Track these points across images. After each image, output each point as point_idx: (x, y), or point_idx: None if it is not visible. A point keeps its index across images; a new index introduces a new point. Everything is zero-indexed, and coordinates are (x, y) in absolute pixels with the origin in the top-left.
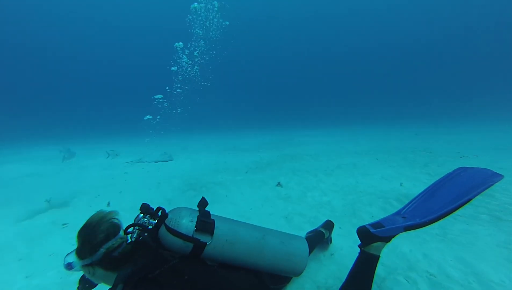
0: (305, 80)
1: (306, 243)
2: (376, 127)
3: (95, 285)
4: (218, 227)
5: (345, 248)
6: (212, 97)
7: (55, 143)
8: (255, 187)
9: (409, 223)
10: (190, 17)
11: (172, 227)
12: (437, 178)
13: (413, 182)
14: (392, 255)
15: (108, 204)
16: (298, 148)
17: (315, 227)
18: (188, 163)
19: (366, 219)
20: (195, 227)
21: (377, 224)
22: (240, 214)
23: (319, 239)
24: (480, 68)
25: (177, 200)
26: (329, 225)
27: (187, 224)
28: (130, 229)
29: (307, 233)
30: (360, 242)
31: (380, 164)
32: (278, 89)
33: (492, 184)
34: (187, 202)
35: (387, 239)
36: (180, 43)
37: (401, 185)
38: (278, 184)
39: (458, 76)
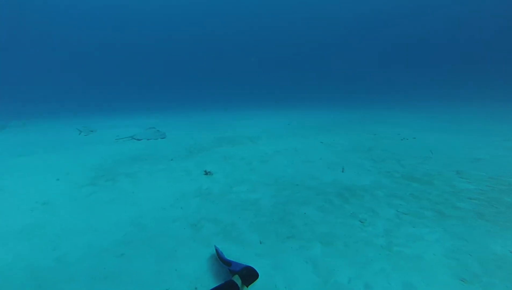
0: (258, 57)
1: None
2: (329, 109)
3: None
4: None
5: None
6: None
7: None
8: (174, 179)
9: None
10: None
11: None
12: (380, 163)
13: (357, 170)
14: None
15: None
16: (239, 130)
17: (228, 258)
18: (114, 148)
19: (297, 227)
20: None
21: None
22: (135, 221)
23: None
24: (427, 53)
25: (61, 202)
26: (249, 276)
27: None
28: None
29: (217, 254)
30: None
31: (325, 148)
32: (224, 66)
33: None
34: (77, 203)
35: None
36: None
37: (343, 171)
38: (206, 172)
39: (405, 61)
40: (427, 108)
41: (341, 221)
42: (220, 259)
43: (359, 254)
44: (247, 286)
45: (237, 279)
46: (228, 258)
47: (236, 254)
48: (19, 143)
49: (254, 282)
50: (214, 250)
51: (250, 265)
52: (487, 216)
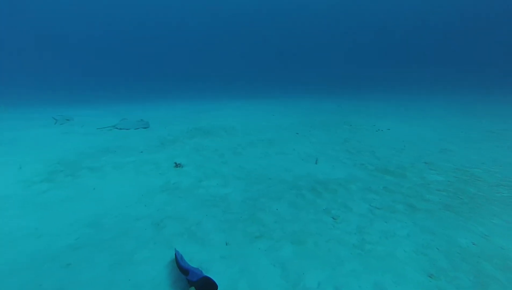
0: (234, 47)
1: None
2: (306, 99)
3: None
4: None
5: None
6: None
7: None
8: (143, 172)
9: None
10: None
11: None
12: (355, 155)
13: (332, 162)
14: None
15: None
16: (216, 120)
17: (190, 266)
18: (84, 139)
19: (267, 225)
20: None
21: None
22: (93, 221)
23: None
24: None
25: (6, 202)
26: (206, 288)
27: None
28: None
29: (176, 260)
30: None
31: (300, 139)
32: (201, 55)
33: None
34: (26, 203)
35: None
36: None
37: (316, 162)
38: (176, 165)
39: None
40: (401, 100)
41: (314, 217)
42: (178, 267)
43: (330, 254)
44: None
45: None
46: (188, 265)
47: (200, 257)
48: None
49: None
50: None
51: (209, 274)
52: (453, 207)
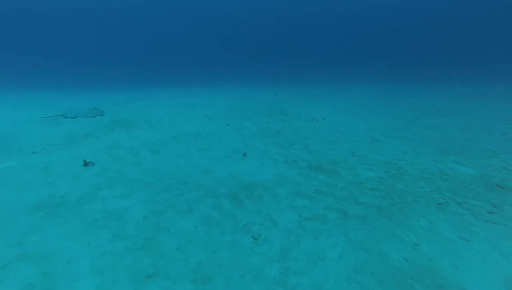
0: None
1: None
2: (241, 87)
3: None
4: None
5: None
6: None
7: None
8: (18, 184)
9: None
10: None
11: None
12: (288, 150)
13: (261, 159)
14: None
15: None
16: (142, 111)
17: None
18: None
19: (167, 254)
20: None
21: None
22: None
23: None
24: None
25: None
26: None
27: None
28: None
29: None
30: None
31: (229, 132)
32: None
33: None
34: None
35: None
36: None
37: (244, 155)
38: (85, 163)
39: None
40: (336, 89)
41: (229, 239)
42: None
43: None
44: None
45: None
46: None
47: None
48: None
49: None
50: None
51: None
52: (385, 211)
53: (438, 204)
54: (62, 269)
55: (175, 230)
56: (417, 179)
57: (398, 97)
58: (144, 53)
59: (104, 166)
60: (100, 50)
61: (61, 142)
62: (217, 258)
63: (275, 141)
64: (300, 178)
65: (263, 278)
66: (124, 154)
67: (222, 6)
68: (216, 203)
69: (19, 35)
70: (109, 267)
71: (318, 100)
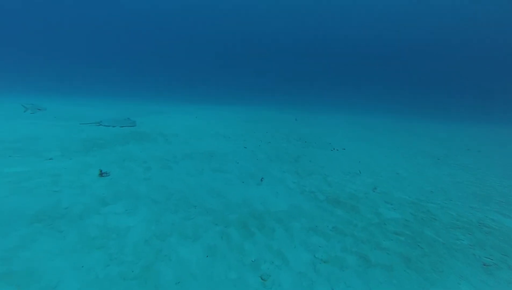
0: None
1: None
2: (262, 107)
3: None
4: None
5: None
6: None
7: None
8: (25, 190)
9: None
10: None
11: None
12: (305, 179)
13: (277, 186)
14: None
15: None
16: (160, 124)
17: None
18: None
19: (163, 288)
20: None
21: None
22: None
23: None
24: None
25: None
26: None
27: None
28: None
29: None
30: None
31: (246, 155)
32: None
33: None
34: None
35: None
36: None
37: (261, 180)
38: (101, 173)
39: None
40: (357, 118)
41: (234, 276)
42: None
43: None
44: None
45: None
46: None
47: None
48: None
49: None
50: None
51: None
52: (413, 262)
53: (484, 265)
54: None
55: (177, 258)
56: (450, 228)
57: (423, 130)
58: (170, 68)
59: (114, 178)
60: (130, 61)
61: (78, 150)
62: None
63: (293, 168)
64: (317, 211)
65: None
66: (136, 167)
67: (254, 29)
68: (224, 231)
69: (69, 46)
70: None
71: (339, 127)
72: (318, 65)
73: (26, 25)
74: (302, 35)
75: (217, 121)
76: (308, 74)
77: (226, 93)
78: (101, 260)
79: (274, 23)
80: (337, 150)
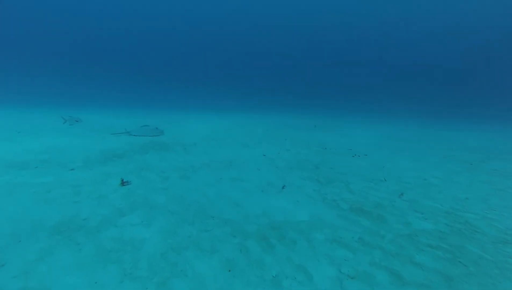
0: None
1: None
2: (282, 114)
3: None
4: None
5: None
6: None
7: None
8: (47, 200)
9: None
10: None
11: None
12: (326, 187)
13: (297, 195)
14: None
15: None
16: (179, 134)
17: None
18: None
19: None
20: None
21: None
22: None
23: None
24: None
25: None
26: None
27: None
28: None
29: None
30: None
31: (265, 163)
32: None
33: None
34: None
35: None
36: None
37: (283, 188)
38: (123, 182)
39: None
40: (377, 123)
41: None
42: None
43: None
44: None
45: None
46: None
47: None
48: None
49: None
50: None
51: None
52: (457, 283)
53: None
54: None
55: (193, 274)
56: (498, 243)
57: (450, 136)
58: (191, 77)
59: (132, 189)
60: (156, 71)
61: (98, 160)
62: None
63: (313, 176)
64: (340, 221)
65: None
66: (154, 177)
67: (274, 38)
68: (242, 244)
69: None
70: None
71: (360, 133)
72: (339, 72)
73: (77, 45)
74: (323, 44)
75: (235, 129)
76: (328, 80)
77: (246, 100)
78: (116, 275)
79: (298, 32)
80: (359, 156)
